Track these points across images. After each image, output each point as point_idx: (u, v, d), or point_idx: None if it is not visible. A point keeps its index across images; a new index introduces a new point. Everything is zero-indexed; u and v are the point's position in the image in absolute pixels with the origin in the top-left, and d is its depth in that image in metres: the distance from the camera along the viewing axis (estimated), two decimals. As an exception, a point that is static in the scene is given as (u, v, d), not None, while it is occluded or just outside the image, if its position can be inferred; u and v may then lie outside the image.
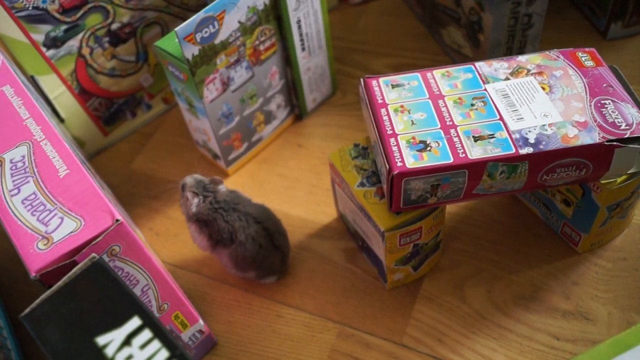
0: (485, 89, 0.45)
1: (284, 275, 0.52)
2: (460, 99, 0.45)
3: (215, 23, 0.49)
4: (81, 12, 0.54)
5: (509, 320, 0.48)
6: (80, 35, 0.55)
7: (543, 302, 0.48)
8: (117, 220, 0.33)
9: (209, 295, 0.52)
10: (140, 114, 0.65)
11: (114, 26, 0.57)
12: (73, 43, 0.55)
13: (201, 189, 0.48)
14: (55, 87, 0.56)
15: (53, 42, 0.54)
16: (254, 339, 0.49)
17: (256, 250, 0.47)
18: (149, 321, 0.29)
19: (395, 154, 0.41)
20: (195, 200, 0.47)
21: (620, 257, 0.50)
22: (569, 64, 0.46)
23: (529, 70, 0.46)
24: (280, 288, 0.52)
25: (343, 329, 0.49)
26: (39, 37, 0.53)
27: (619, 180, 0.44)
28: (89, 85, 0.59)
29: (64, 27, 0.54)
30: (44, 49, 0.54)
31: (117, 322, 0.29)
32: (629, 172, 0.44)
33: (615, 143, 0.41)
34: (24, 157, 0.37)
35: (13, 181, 0.36)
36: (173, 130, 0.66)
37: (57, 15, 0.53)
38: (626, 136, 0.41)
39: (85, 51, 0.56)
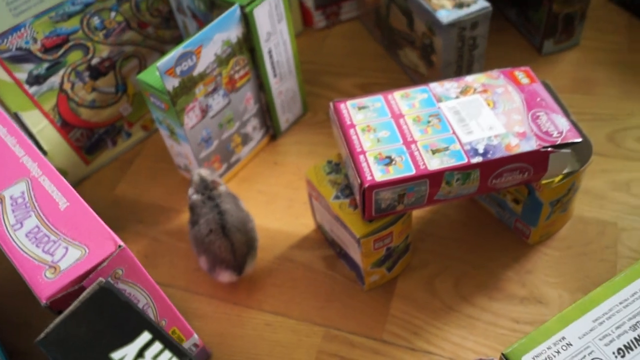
0: (439, 107, 0.49)
1: (242, 278, 0.53)
2: (418, 117, 0.48)
3: (193, 57, 0.51)
4: (62, 50, 0.55)
5: (475, 309, 0.51)
6: (61, 72, 0.56)
7: (503, 291, 0.52)
8: (120, 246, 0.35)
9: (200, 310, 0.53)
10: (120, 142, 0.66)
11: (94, 61, 0.58)
12: (55, 79, 0.56)
13: (202, 187, 0.52)
14: (38, 122, 0.57)
15: (36, 80, 0.55)
16: (246, 348, 0.51)
17: (205, 233, 0.50)
18: (158, 334, 0.31)
19: (365, 169, 0.44)
20: (194, 196, 0.52)
21: (565, 245, 0.54)
22: (508, 82, 0.50)
23: (475, 89, 0.50)
24: (266, 298, 0.53)
25: (328, 331, 0.51)
26: (22, 76, 0.53)
27: (557, 179, 0.48)
28: (70, 117, 0.59)
29: (46, 64, 0.55)
30: (27, 87, 0.54)
31: (128, 337, 0.31)
32: (563, 172, 0.48)
33: (549, 149, 0.45)
34: (23, 192, 0.38)
35: (15, 216, 0.37)
36: (153, 155, 0.68)
37: (40, 55, 0.54)
38: (558, 142, 0.45)
39: (67, 86, 0.57)
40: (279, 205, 0.60)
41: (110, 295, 0.32)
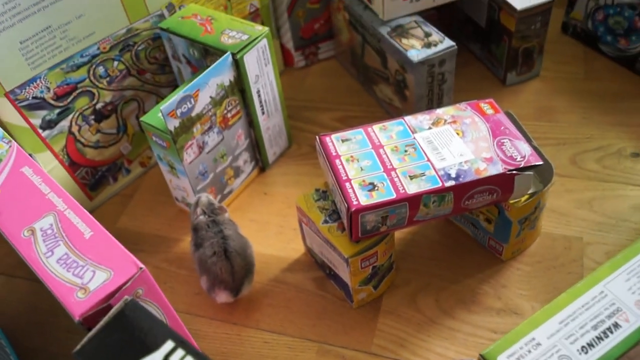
0: (414, 138, 0.56)
1: (239, 300, 0.59)
2: (396, 147, 0.56)
3: (192, 100, 0.58)
4: (72, 97, 0.62)
5: (456, 322, 0.57)
6: (70, 116, 0.63)
7: (481, 304, 0.58)
8: (141, 268, 0.41)
9: (202, 331, 0.59)
10: (120, 178, 0.73)
11: (99, 105, 0.66)
12: (64, 123, 0.63)
13: (209, 210, 0.58)
14: (49, 162, 0.63)
15: (48, 124, 0.61)
16: (247, 365, 0.57)
17: (210, 255, 0.56)
18: (180, 342, 0.37)
19: (351, 195, 0.51)
20: (201, 217, 0.58)
21: (536, 260, 0.61)
22: (474, 113, 0.58)
23: (445, 120, 0.58)
24: (263, 317, 0.60)
25: (321, 347, 0.57)
26: (37, 121, 0.60)
27: (523, 199, 0.55)
28: (77, 157, 0.66)
29: (57, 110, 0.62)
30: (40, 131, 0.61)
31: (154, 346, 0.37)
32: (528, 192, 0.55)
33: (514, 172, 0.52)
34: (51, 225, 0.44)
35: (46, 245, 0.43)
36: (151, 189, 0.74)
37: (52, 102, 0.61)
38: (521, 166, 0.52)
39: (75, 129, 0.64)
40: (270, 232, 0.67)
41: (135, 310, 0.38)
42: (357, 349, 0.56)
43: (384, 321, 0.58)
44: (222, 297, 0.57)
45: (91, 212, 0.72)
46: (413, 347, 0.56)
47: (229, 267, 0.56)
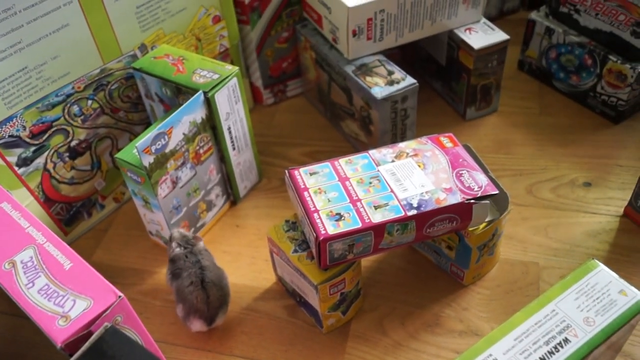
0: (378, 170, 0.61)
1: (214, 328, 0.62)
2: (361, 179, 0.60)
3: (166, 137, 0.62)
4: (47, 135, 0.66)
5: (420, 344, 0.61)
6: (45, 154, 0.67)
7: (444, 327, 0.62)
8: (120, 297, 0.44)
9: (178, 359, 0.62)
10: (95, 213, 0.76)
11: (73, 143, 0.69)
12: (40, 160, 0.66)
13: (184, 242, 0.62)
14: (24, 198, 0.66)
15: (24, 162, 0.65)
16: (220, 391, 0.60)
17: (187, 284, 0.60)
18: (159, 364, 0.40)
19: (319, 225, 0.56)
20: (177, 249, 0.62)
21: (495, 284, 0.66)
22: (435, 146, 0.64)
23: (407, 153, 0.63)
24: (237, 344, 0.63)
25: (292, 371, 0.61)
26: (13, 159, 0.64)
27: (481, 227, 0.60)
28: (52, 193, 0.69)
29: (32, 148, 0.65)
30: (16, 168, 0.64)
31: (134, 369, 0.40)
32: (486, 220, 0.60)
33: (472, 201, 0.57)
34: (31, 257, 0.47)
35: (27, 277, 0.46)
36: (125, 224, 0.77)
37: (28, 140, 0.64)
38: (479, 195, 0.58)
39: (50, 166, 0.68)
40: (242, 263, 0.71)
41: (115, 336, 0.42)
42: (327, 374, 0.60)
43: (352, 345, 0.62)
44: (197, 325, 0.60)
45: (65, 247, 0.75)
46: (381, 370, 0.60)
47: (205, 297, 0.60)
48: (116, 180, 0.77)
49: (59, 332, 0.42)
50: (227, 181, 0.75)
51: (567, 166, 0.78)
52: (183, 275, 0.60)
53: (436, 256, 0.68)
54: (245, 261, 0.71)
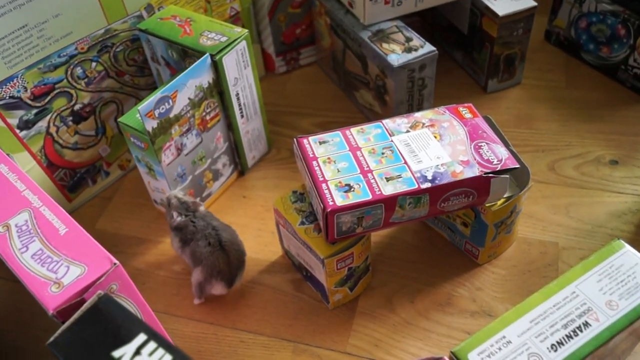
0: (392, 141, 0.59)
1: (217, 300, 0.62)
2: (373, 149, 0.58)
3: (170, 101, 0.60)
4: (49, 97, 0.65)
5: (430, 323, 0.60)
6: (48, 117, 0.65)
7: (456, 306, 0.61)
8: (115, 264, 0.43)
9: (179, 330, 0.61)
10: (99, 181, 0.75)
11: (77, 107, 0.68)
12: (42, 124, 0.65)
13: (184, 210, 0.60)
14: (27, 163, 0.65)
15: (25, 124, 0.64)
16: (222, 364, 0.59)
17: (204, 245, 0.59)
18: (152, 335, 0.39)
19: (327, 196, 0.54)
20: (178, 218, 0.60)
21: (511, 264, 0.64)
22: (453, 117, 0.61)
23: (423, 124, 0.61)
24: (240, 318, 0.62)
25: (297, 346, 0.59)
26: (14, 121, 0.62)
27: (499, 203, 0.58)
28: (55, 158, 0.68)
29: (34, 110, 0.64)
30: (17, 131, 0.63)
31: (127, 339, 0.39)
32: (505, 196, 0.58)
33: (490, 175, 0.55)
34: (26, 221, 0.46)
35: (21, 241, 0.45)
36: (130, 192, 0.76)
37: (29, 102, 0.63)
38: (498, 169, 0.55)
39: (53, 130, 0.66)
40: (248, 235, 0.69)
41: (108, 304, 0.40)
42: (332, 349, 0.59)
43: (359, 322, 0.60)
44: (218, 288, 0.60)
45: (70, 213, 0.73)
46: (387, 347, 0.58)
47: (226, 258, 0.59)
48: (121, 147, 0.76)
49: (51, 298, 0.41)
50: (235, 150, 0.73)
51: (593, 143, 0.75)
52: (197, 238, 0.59)
53: (450, 233, 0.65)
54: (252, 233, 0.70)
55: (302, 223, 0.58)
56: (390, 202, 0.54)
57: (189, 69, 0.61)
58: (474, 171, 0.55)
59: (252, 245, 0.68)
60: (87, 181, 0.74)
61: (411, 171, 0.55)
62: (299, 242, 0.59)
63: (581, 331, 0.45)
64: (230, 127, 0.70)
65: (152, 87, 0.76)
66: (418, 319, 0.60)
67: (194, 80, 0.63)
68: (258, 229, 0.70)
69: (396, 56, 0.69)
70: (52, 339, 0.39)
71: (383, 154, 0.57)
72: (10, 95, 0.61)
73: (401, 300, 0.62)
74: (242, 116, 0.71)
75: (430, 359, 0.43)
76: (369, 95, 0.78)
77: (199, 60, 0.62)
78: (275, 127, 0.83)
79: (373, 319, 0.60)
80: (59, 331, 0.39)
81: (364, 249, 0.58)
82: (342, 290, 0.60)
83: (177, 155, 0.64)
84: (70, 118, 0.68)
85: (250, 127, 0.73)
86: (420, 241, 0.67)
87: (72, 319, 0.40)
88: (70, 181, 0.72)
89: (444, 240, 0.67)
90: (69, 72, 0.66)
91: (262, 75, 0.90)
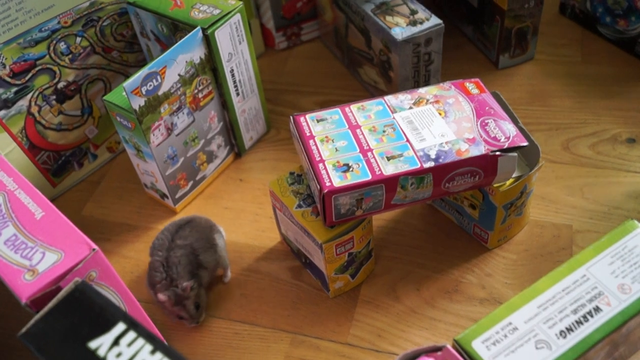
0: (394, 118, 0.56)
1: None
2: (374, 127, 0.55)
3: (158, 77, 0.58)
4: (30, 74, 0.62)
5: (437, 311, 0.57)
6: (29, 95, 0.63)
7: (464, 293, 0.58)
8: (94, 250, 0.41)
9: (169, 321, 0.59)
10: (86, 164, 0.73)
11: (61, 85, 0.65)
12: (22, 103, 0.63)
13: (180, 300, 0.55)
14: (6, 145, 0.63)
15: (4, 104, 0.61)
16: (215, 357, 0.56)
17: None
18: (131, 324, 0.36)
19: (324, 176, 0.51)
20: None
21: (522, 249, 0.61)
22: (459, 93, 0.58)
23: (427, 100, 0.58)
24: (235, 308, 0.59)
25: (295, 337, 0.57)
26: (-8, 100, 0.60)
27: (508, 183, 0.55)
28: (37, 140, 0.66)
29: (14, 89, 0.61)
30: (-4, 111, 0.61)
31: (105, 328, 0.36)
32: (513, 176, 0.55)
33: (497, 153, 0.52)
34: (0, 205, 0.44)
35: (-6, 226, 0.42)
36: (119, 176, 0.74)
37: (8, 79, 0.61)
38: (505, 147, 0.53)
39: (34, 109, 0.64)
40: (245, 220, 0.67)
41: (86, 293, 0.38)
42: (332, 340, 0.56)
43: (361, 311, 0.58)
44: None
45: (54, 199, 0.72)
46: (391, 337, 0.56)
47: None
48: (110, 128, 0.73)
49: (25, 287, 0.39)
50: (231, 130, 0.71)
51: (610, 120, 0.72)
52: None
53: (458, 216, 0.63)
54: (248, 218, 0.67)
55: (299, 206, 0.55)
56: (391, 183, 0.51)
57: (178, 43, 0.58)
58: (480, 149, 0.52)
59: (249, 231, 0.66)
60: (73, 165, 0.71)
61: (414, 150, 0.52)
62: (296, 227, 0.56)
63: (592, 316, 0.43)
64: (225, 105, 0.68)
65: (142, 64, 0.73)
66: (424, 307, 0.58)
67: (184, 55, 0.60)
68: (255, 214, 0.67)
69: (400, 30, 0.66)
70: (24, 329, 0.37)
71: (384, 131, 0.55)
72: (-13, 72, 0.59)
73: (406, 287, 0.59)
74: (237, 94, 0.68)
75: (432, 348, 0.40)
76: (373, 71, 0.75)
77: (189, 35, 0.59)
78: (275, 106, 0.80)
79: (376, 308, 0.58)
80: (32, 322, 0.37)
81: (365, 233, 0.56)
82: (343, 277, 0.57)
83: (167, 135, 0.62)
84: (54, 97, 0.65)
85: (247, 106, 0.70)
86: (426, 225, 0.64)
87: (45, 309, 0.38)
88: (55, 165, 0.69)
89: (452, 223, 0.64)
90: (51, 48, 0.63)
91: (261, 52, 0.87)
